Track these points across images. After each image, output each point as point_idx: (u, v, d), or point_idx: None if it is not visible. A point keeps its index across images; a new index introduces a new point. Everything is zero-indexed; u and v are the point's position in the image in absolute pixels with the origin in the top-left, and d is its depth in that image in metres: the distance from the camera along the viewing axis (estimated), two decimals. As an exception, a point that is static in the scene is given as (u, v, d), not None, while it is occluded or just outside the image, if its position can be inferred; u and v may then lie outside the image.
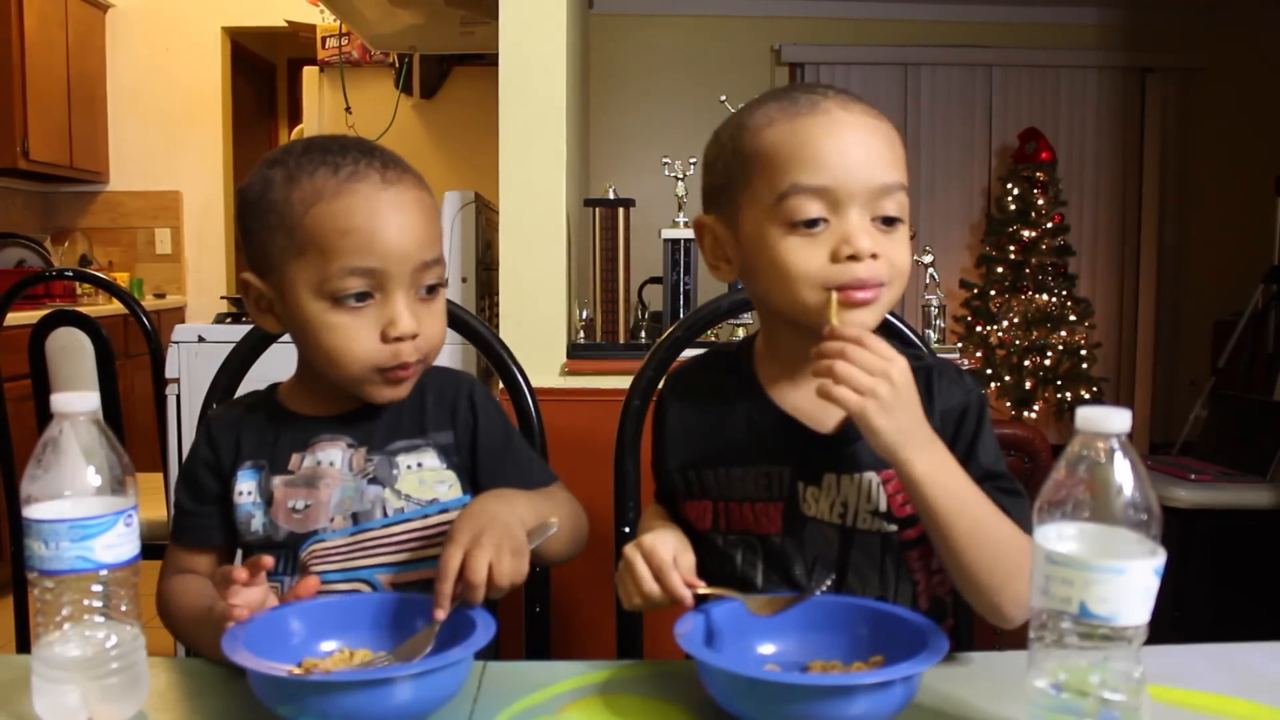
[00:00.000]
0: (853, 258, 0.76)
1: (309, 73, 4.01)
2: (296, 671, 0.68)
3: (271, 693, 0.65)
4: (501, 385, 1.17)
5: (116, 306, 2.28)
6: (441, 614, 0.72)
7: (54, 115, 3.95)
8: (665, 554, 0.75)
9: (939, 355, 0.97)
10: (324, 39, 3.89)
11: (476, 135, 3.48)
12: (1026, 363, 4.15)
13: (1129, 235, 4.63)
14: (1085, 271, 4.52)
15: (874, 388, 0.71)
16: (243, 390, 1.08)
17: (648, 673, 0.76)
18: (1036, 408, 4.17)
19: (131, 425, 2.40)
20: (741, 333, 1.85)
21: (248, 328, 1.17)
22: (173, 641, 0.91)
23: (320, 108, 3.96)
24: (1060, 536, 0.59)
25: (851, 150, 0.76)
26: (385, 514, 0.86)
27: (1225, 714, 0.69)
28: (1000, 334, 4.20)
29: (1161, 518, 0.59)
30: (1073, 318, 4.19)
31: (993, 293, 4.26)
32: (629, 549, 0.77)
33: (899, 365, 0.72)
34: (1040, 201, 4.22)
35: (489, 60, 3.33)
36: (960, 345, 3.39)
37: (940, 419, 0.80)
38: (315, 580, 0.78)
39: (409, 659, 0.69)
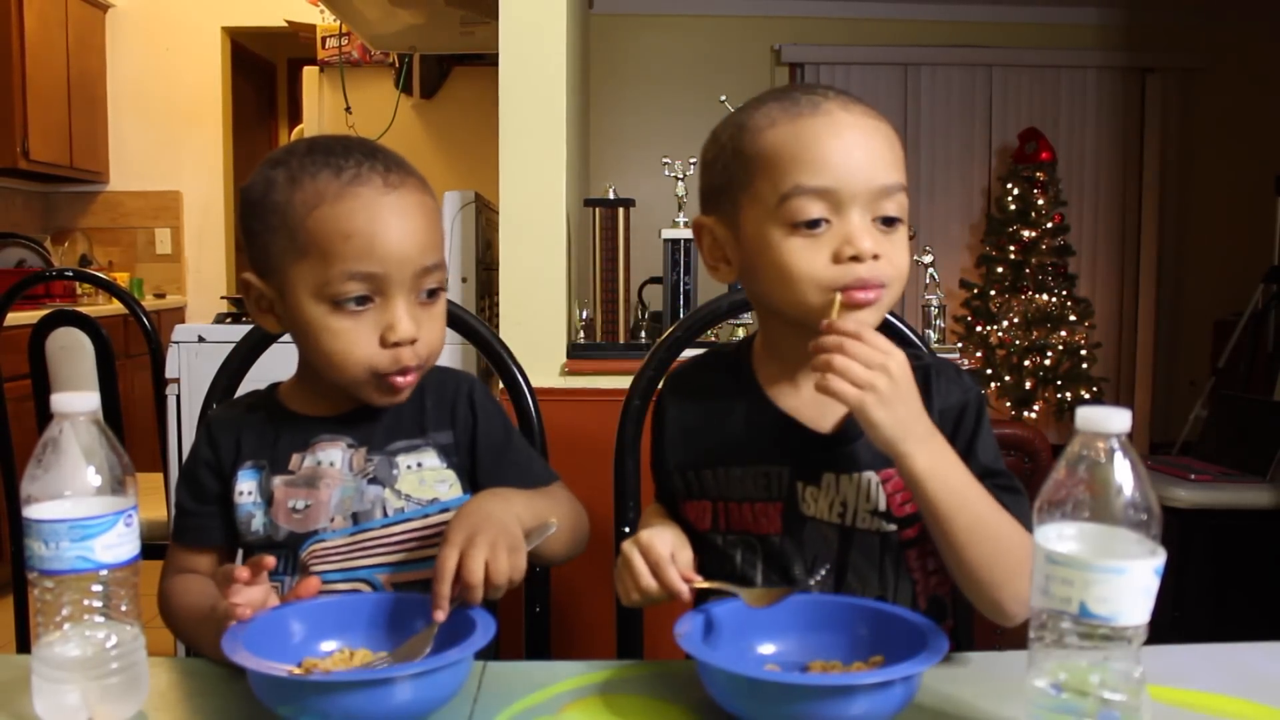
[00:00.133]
0: (855, 258, 0.76)
1: (309, 73, 4.01)
2: (296, 671, 0.68)
3: (271, 693, 0.65)
4: (501, 385, 1.17)
5: (116, 306, 2.28)
6: (440, 615, 0.72)
7: (54, 115, 3.95)
8: (662, 549, 0.75)
9: (938, 355, 0.97)
10: (324, 39, 3.89)
11: (476, 135, 3.48)
12: (1026, 363, 4.15)
13: (1129, 235, 4.63)
14: (1085, 271, 4.52)
15: (872, 381, 0.71)
16: (243, 390, 1.08)
17: (648, 673, 0.76)
18: (1036, 408, 4.17)
19: (131, 425, 2.40)
20: (741, 333, 1.85)
21: (248, 328, 1.17)
22: (173, 641, 0.91)
23: (320, 108, 3.96)
24: (1060, 536, 0.59)
25: (853, 151, 0.77)
26: (385, 514, 0.86)
27: (1225, 714, 0.69)
28: (1000, 334, 4.20)
29: (1161, 518, 0.59)
30: (1073, 318, 4.19)
31: (993, 293, 4.26)
32: (627, 545, 0.77)
33: (897, 359, 0.72)
34: (1040, 201, 4.22)
35: (489, 60, 3.33)
36: (960, 345, 3.39)
37: (939, 417, 0.80)
38: (316, 581, 0.78)
39: (408, 660, 0.69)
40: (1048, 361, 4.15)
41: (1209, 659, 0.78)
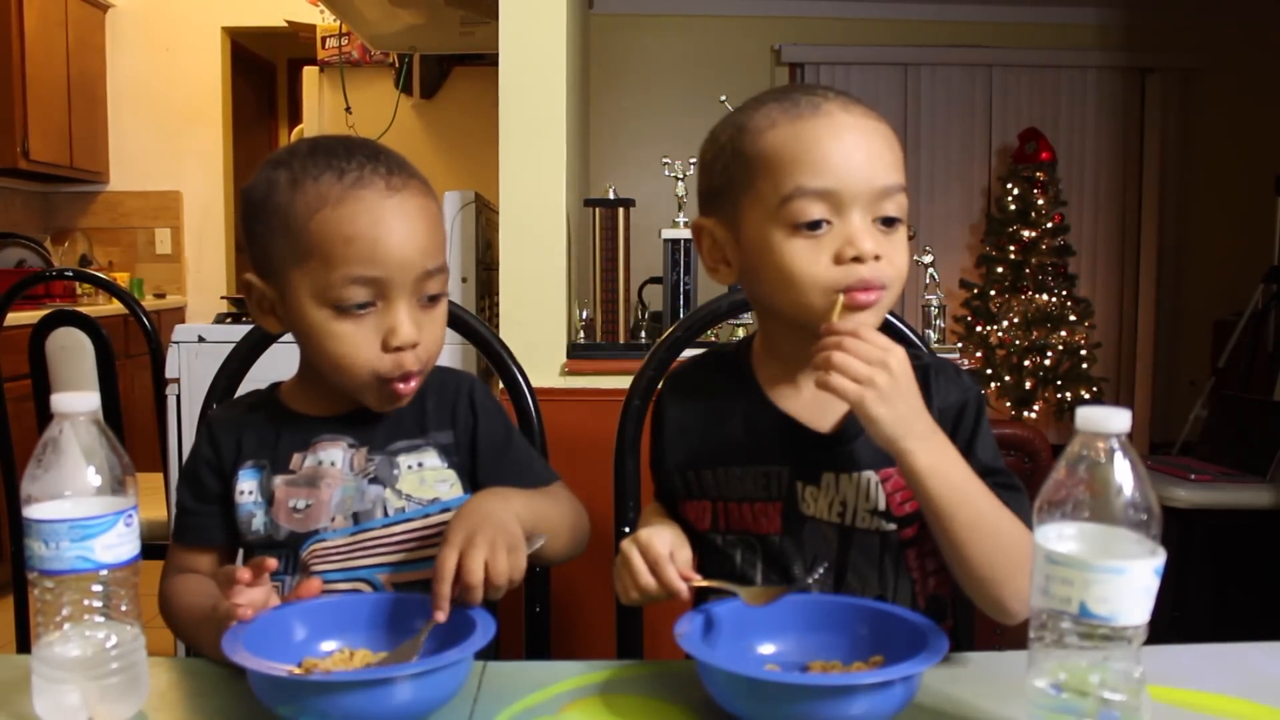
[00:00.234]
0: (856, 259, 0.76)
1: (309, 73, 4.01)
2: (296, 671, 0.68)
3: (271, 693, 0.65)
4: (501, 385, 1.17)
5: (116, 306, 2.28)
6: (441, 615, 0.72)
7: (54, 115, 3.95)
8: (661, 548, 0.75)
9: (938, 355, 0.97)
10: (324, 39, 3.89)
11: (476, 135, 3.48)
12: (1026, 363, 4.15)
13: (1129, 235, 4.63)
14: (1085, 271, 4.52)
15: (872, 377, 0.71)
16: (243, 390, 1.08)
17: (648, 673, 0.76)
18: (1036, 408, 4.17)
19: (131, 425, 2.40)
20: (741, 332, 1.85)
21: (248, 328, 1.17)
22: (173, 641, 0.91)
23: (320, 108, 3.96)
24: (1060, 536, 0.59)
25: (854, 152, 0.77)
26: (386, 514, 0.86)
27: (1225, 714, 0.69)
28: (1000, 334, 4.20)
29: (1161, 518, 0.59)
30: (1073, 318, 4.19)
31: (993, 293, 4.26)
32: (625, 544, 0.77)
33: (897, 355, 0.72)
34: (1040, 201, 4.22)
35: (489, 60, 3.33)
36: (960, 345, 3.39)
37: (939, 416, 0.80)
38: (318, 582, 0.78)
39: (401, 661, 0.69)
40: (1048, 361, 4.15)
41: (1209, 659, 0.78)
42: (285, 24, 4.00)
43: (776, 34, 4.47)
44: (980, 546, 0.73)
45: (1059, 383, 4.16)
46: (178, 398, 1.94)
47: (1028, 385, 4.15)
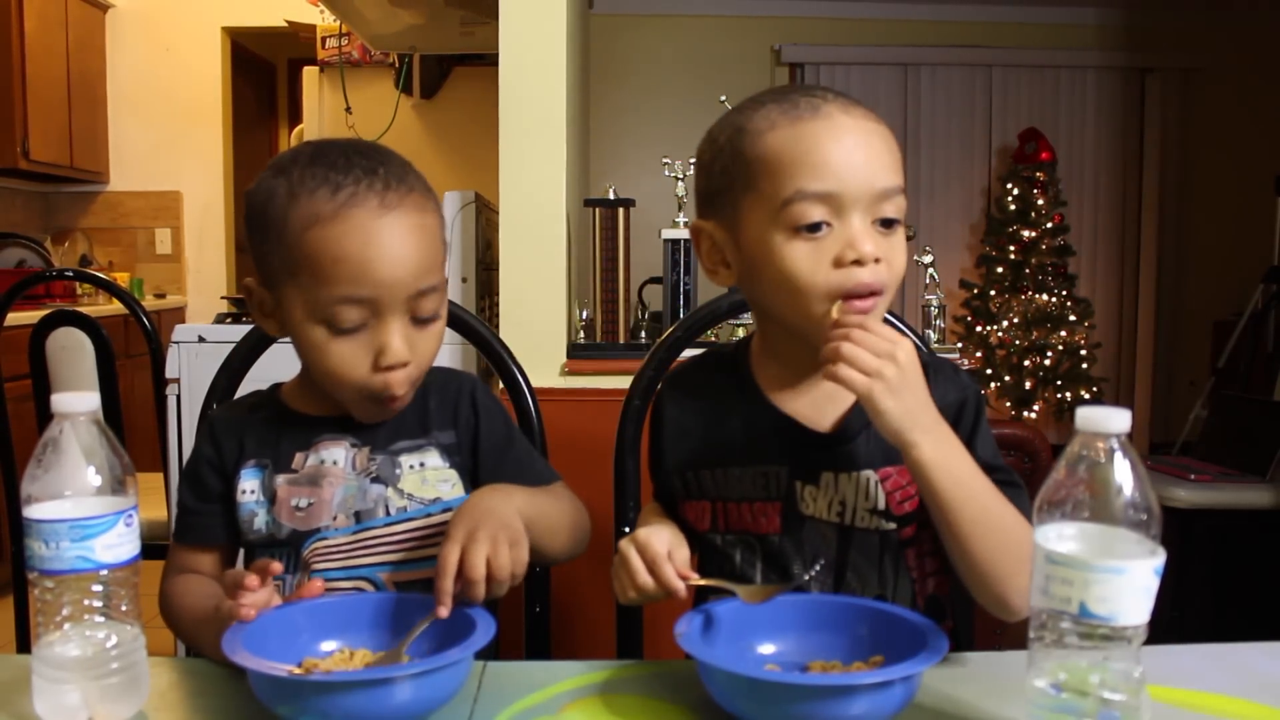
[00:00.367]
0: (857, 262, 0.76)
1: (309, 73, 4.01)
2: (296, 671, 0.68)
3: (271, 693, 0.65)
4: (501, 385, 1.17)
5: (117, 306, 2.28)
6: (444, 611, 0.72)
7: (54, 115, 3.95)
8: (659, 547, 0.75)
9: (937, 354, 0.97)
10: (324, 39, 3.89)
11: (476, 135, 3.48)
12: (1026, 363, 4.15)
13: (1129, 235, 4.63)
14: (1085, 272, 4.52)
15: (880, 369, 0.71)
16: (243, 390, 1.08)
17: (648, 673, 0.76)
18: (1036, 408, 4.17)
19: (132, 425, 2.40)
20: (741, 332, 1.85)
21: (248, 328, 1.17)
22: (173, 641, 0.91)
23: (320, 108, 3.96)
24: (1060, 536, 0.59)
25: (854, 155, 0.77)
26: (388, 513, 0.86)
27: (1225, 714, 0.69)
28: (1000, 334, 4.20)
29: (1161, 518, 0.59)
30: (1073, 318, 4.19)
31: (993, 293, 4.26)
32: (623, 543, 0.77)
33: (905, 347, 0.73)
34: (1040, 202, 4.22)
35: (489, 60, 3.33)
36: (960, 345, 3.39)
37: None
38: (320, 583, 0.78)
39: (397, 659, 0.70)
40: (1048, 361, 4.15)
41: (1209, 659, 0.78)
42: (285, 24, 4.00)
43: (776, 34, 4.47)
44: (983, 541, 0.73)
45: (1059, 383, 4.16)
46: (178, 398, 1.94)
47: (1028, 385, 4.15)
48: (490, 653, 0.76)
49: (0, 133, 3.70)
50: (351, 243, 0.77)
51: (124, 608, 0.68)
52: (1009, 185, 4.29)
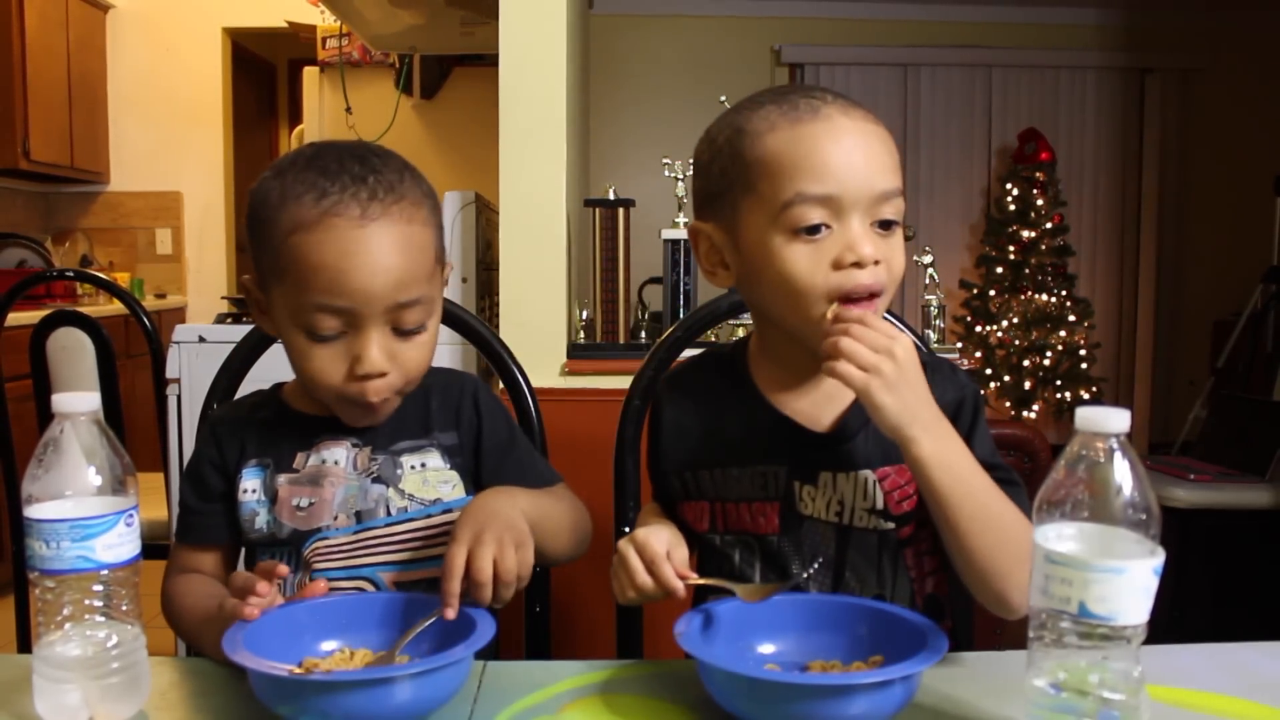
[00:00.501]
0: (856, 264, 0.76)
1: (309, 73, 4.01)
2: (297, 671, 0.68)
3: (272, 692, 0.65)
4: (501, 385, 1.17)
5: (117, 307, 2.28)
6: (451, 613, 0.72)
7: (55, 116, 3.95)
8: (658, 547, 0.75)
9: (935, 353, 0.97)
10: (324, 39, 3.89)
11: (477, 135, 3.48)
12: (1026, 363, 4.15)
13: (1128, 235, 4.63)
14: (1085, 272, 4.53)
15: (877, 364, 0.72)
16: (243, 390, 1.08)
17: (648, 672, 0.76)
18: (1036, 408, 4.17)
19: (132, 425, 2.41)
20: (741, 332, 1.85)
21: (248, 328, 1.17)
22: (174, 641, 0.91)
23: (321, 108, 3.96)
24: (1060, 536, 0.59)
25: (854, 157, 0.77)
26: (389, 513, 0.86)
27: (1224, 714, 0.69)
28: (1000, 334, 4.20)
29: (1160, 518, 0.59)
30: (1072, 318, 4.19)
31: (992, 293, 4.26)
32: (622, 543, 0.77)
33: (903, 343, 0.73)
34: (1040, 202, 4.22)
35: (489, 60, 3.33)
36: (960, 345, 3.39)
37: None
38: (323, 584, 0.78)
39: (391, 660, 0.70)
40: (1047, 361, 4.15)
41: (1208, 659, 0.78)
42: (286, 24, 4.00)
43: (776, 34, 4.47)
44: (983, 538, 0.73)
45: (1058, 383, 4.16)
46: (178, 398, 1.94)
47: (1027, 385, 4.15)
48: (490, 652, 0.76)
49: (1, 133, 3.70)
50: (329, 252, 0.77)
51: (125, 607, 0.68)
52: (1008, 185, 4.30)
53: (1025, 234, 4.21)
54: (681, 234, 1.91)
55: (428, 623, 0.72)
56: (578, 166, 2.38)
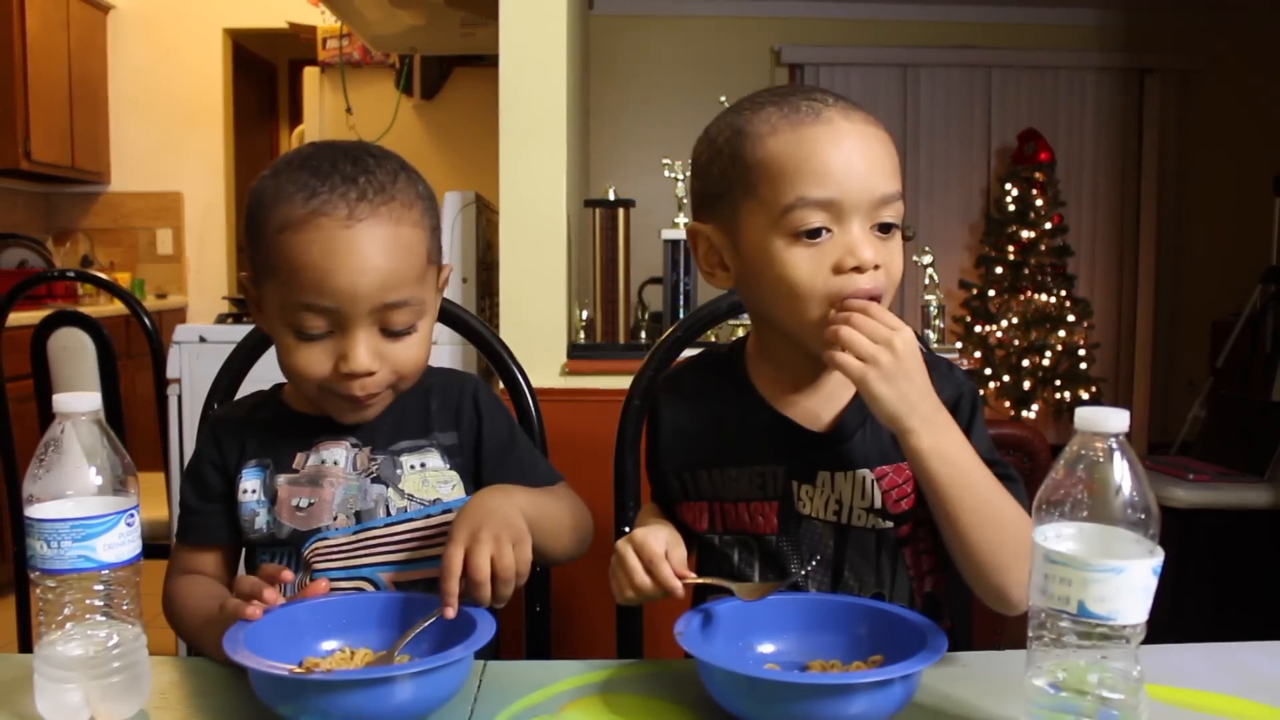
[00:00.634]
0: (856, 269, 0.76)
1: (310, 73, 4.01)
2: (297, 671, 0.68)
3: (272, 692, 0.65)
4: (502, 385, 1.17)
5: (118, 307, 2.29)
6: (450, 612, 0.72)
7: (56, 116, 3.96)
8: (656, 546, 0.75)
9: (933, 352, 0.98)
10: (325, 40, 3.89)
11: (477, 136, 3.48)
12: (1025, 363, 4.16)
13: (1127, 236, 4.63)
14: (1084, 272, 4.53)
15: (876, 355, 0.72)
16: (244, 390, 1.08)
17: (648, 672, 0.76)
18: (1035, 408, 4.18)
19: (133, 425, 2.41)
20: (740, 332, 1.85)
21: (249, 328, 1.17)
22: (175, 641, 0.91)
23: (321, 108, 3.96)
24: (1059, 536, 0.60)
25: (855, 162, 0.77)
26: (388, 513, 0.86)
27: (1223, 713, 0.69)
28: (999, 334, 4.20)
29: (1159, 517, 0.60)
30: (1071, 318, 4.19)
31: (992, 293, 4.26)
32: (621, 543, 0.77)
33: (904, 335, 0.73)
34: (1039, 202, 4.22)
35: (489, 61, 3.33)
36: (959, 345, 3.39)
37: None
38: (325, 583, 0.78)
39: (390, 660, 0.70)
40: (1046, 361, 4.15)
41: (1207, 658, 0.78)
42: (286, 25, 4.00)
43: (776, 35, 4.47)
44: (982, 532, 0.73)
45: (1058, 383, 4.16)
46: (179, 398, 1.94)
47: (1026, 385, 4.15)
48: (490, 652, 0.76)
49: (2, 133, 3.70)
50: (314, 252, 0.77)
51: (125, 607, 0.68)
52: (1008, 186, 4.30)
53: (1025, 234, 4.21)
54: (681, 234, 1.91)
55: (428, 622, 0.73)
56: (578, 166, 2.38)
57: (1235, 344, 3.82)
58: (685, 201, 1.96)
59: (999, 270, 4.26)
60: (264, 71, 5.62)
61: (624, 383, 1.18)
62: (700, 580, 0.77)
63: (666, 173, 1.97)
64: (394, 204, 0.80)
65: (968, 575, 0.76)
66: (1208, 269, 4.57)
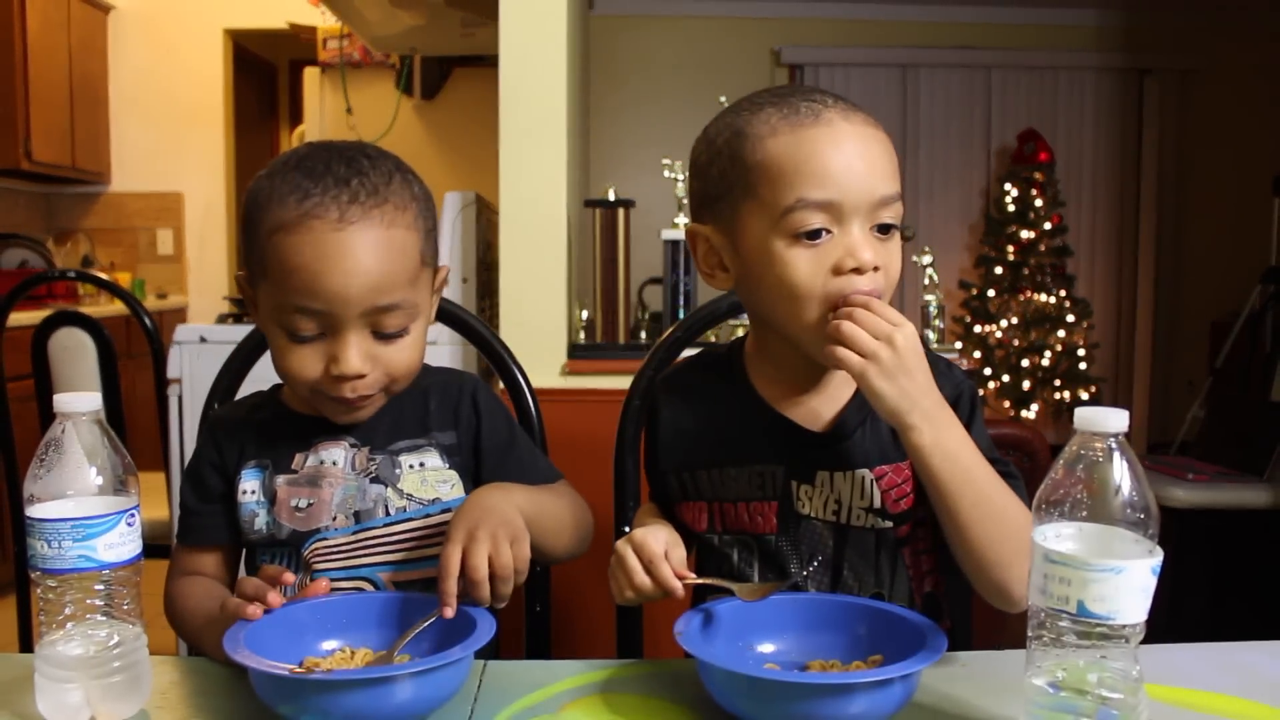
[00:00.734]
0: (856, 270, 0.76)
1: (310, 74, 4.02)
2: (297, 670, 0.68)
3: (273, 692, 0.65)
4: (502, 385, 1.17)
5: (118, 307, 2.29)
6: (449, 612, 0.72)
7: (56, 116, 3.96)
8: (656, 547, 0.75)
9: (932, 350, 0.98)
10: (325, 40, 3.90)
11: (477, 136, 3.48)
12: (1025, 363, 4.16)
13: (1127, 236, 4.63)
14: (1083, 272, 4.53)
15: (875, 351, 0.72)
16: (244, 390, 1.08)
17: (648, 672, 0.76)
18: (1035, 408, 4.18)
19: (133, 425, 2.41)
20: (740, 333, 1.85)
21: (249, 328, 1.17)
22: (175, 640, 0.91)
23: (321, 109, 3.97)
24: (1058, 536, 0.60)
25: (855, 163, 0.77)
26: (387, 513, 0.86)
27: (1222, 713, 0.69)
28: (999, 334, 4.20)
29: (1159, 517, 0.60)
30: (1071, 318, 4.19)
31: (991, 293, 4.26)
32: (620, 543, 0.77)
33: (905, 331, 0.73)
34: (1039, 202, 4.23)
35: (490, 61, 3.33)
36: (959, 345, 3.39)
37: None
38: (325, 583, 0.78)
39: (390, 660, 0.70)
40: (1046, 361, 4.15)
41: (1206, 658, 0.78)
42: (287, 25, 4.00)
43: (776, 35, 4.47)
44: (984, 528, 0.73)
45: (1057, 383, 4.17)
46: (179, 398, 1.94)
47: (1026, 385, 4.15)
48: (490, 652, 0.76)
49: (3, 134, 3.70)
50: (305, 254, 0.77)
51: (126, 607, 0.68)
52: (1007, 186, 4.30)
53: (1024, 234, 4.21)
54: (681, 235, 1.91)
55: (428, 622, 0.73)
56: (578, 167, 2.38)
57: (1235, 344, 3.82)
58: (685, 202, 1.96)
59: (999, 270, 4.26)
60: (264, 72, 5.62)
61: (624, 383, 1.18)
62: (700, 581, 0.78)
63: (666, 173, 1.97)
64: (386, 206, 0.80)
65: (969, 571, 0.76)
66: (1207, 269, 4.57)
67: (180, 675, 0.77)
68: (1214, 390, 3.73)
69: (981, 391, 4.10)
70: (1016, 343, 4.17)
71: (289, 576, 0.75)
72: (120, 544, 0.66)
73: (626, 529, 1.13)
